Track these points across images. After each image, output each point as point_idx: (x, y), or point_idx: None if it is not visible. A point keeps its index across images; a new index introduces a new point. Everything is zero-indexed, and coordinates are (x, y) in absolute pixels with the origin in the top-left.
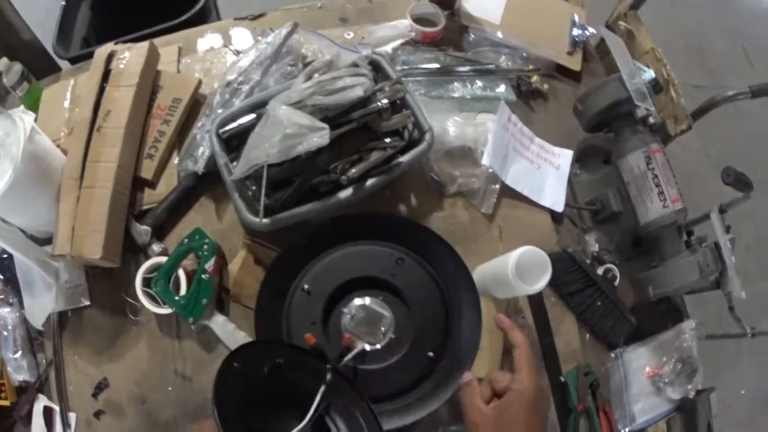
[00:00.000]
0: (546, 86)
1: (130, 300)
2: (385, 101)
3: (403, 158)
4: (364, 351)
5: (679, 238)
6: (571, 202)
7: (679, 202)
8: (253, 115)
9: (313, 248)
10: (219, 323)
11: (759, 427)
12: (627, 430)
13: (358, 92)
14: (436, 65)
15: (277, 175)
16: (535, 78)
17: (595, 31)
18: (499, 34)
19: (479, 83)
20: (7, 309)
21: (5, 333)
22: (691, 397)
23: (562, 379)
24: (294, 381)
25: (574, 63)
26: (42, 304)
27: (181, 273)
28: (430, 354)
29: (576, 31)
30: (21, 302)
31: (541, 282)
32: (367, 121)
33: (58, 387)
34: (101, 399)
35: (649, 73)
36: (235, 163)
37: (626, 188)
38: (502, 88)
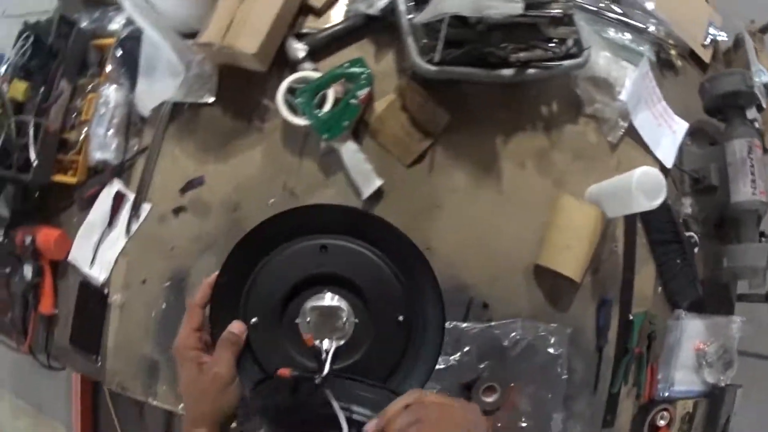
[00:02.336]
0: (679, 63)
1: (270, 102)
2: (558, 11)
3: (564, 63)
4: (337, 349)
5: (755, 228)
6: (678, 164)
7: (765, 195)
8: None
9: (238, 278)
10: (350, 150)
11: None
12: (666, 394)
13: None
14: (600, 5)
15: (453, 35)
16: (673, 52)
17: (726, 37)
18: (650, 4)
19: (628, 36)
20: (114, 86)
21: (103, 110)
22: (721, 385)
23: (631, 317)
24: (313, 402)
25: (705, 55)
26: (160, 90)
27: (330, 92)
28: (400, 318)
29: (712, 31)
30: (132, 86)
31: (658, 199)
32: (537, 22)
33: (144, 175)
34: (188, 196)
35: (767, 76)
36: (410, 15)
37: (727, 168)
38: (645, 48)
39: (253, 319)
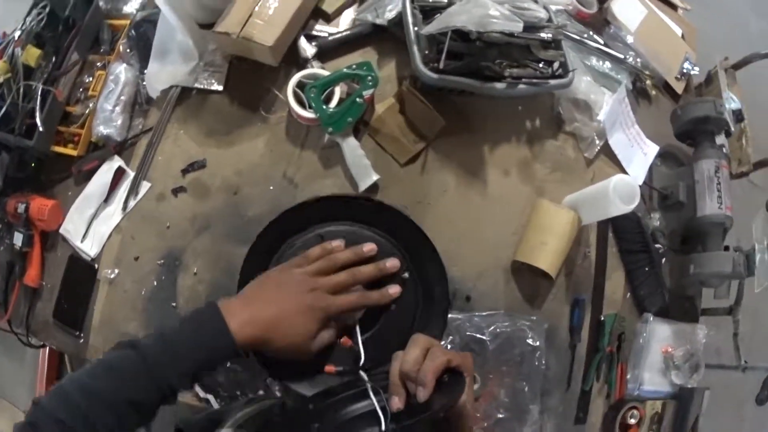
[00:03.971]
0: (653, 92)
1: (277, 94)
2: (549, 35)
3: (551, 82)
4: (360, 322)
5: (721, 240)
6: (648, 182)
7: (730, 210)
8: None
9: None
10: (351, 145)
11: None
12: (636, 393)
13: (540, 15)
14: (585, 35)
15: (453, 48)
16: (648, 82)
17: (698, 71)
18: (630, 38)
19: (608, 65)
20: (125, 65)
21: (112, 86)
22: (689, 386)
23: (602, 317)
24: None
25: (678, 87)
26: (170, 73)
27: (337, 89)
28: (405, 275)
29: (686, 65)
30: (142, 67)
31: (633, 203)
32: (530, 44)
33: (146, 153)
34: (189, 178)
35: (736, 104)
36: (416, 27)
37: (695, 185)
38: (623, 76)
39: None
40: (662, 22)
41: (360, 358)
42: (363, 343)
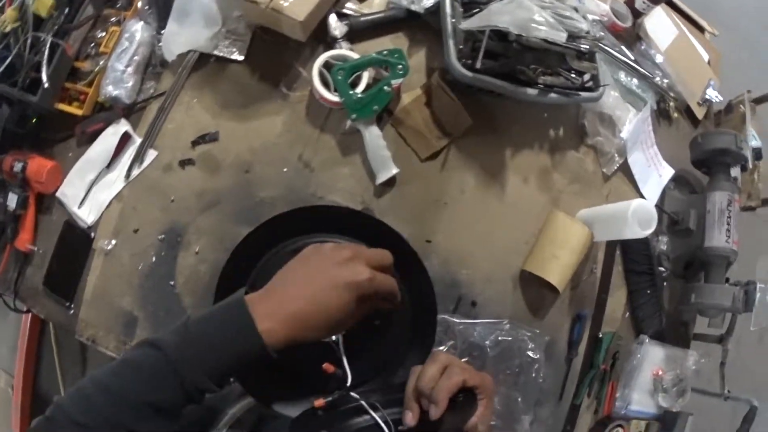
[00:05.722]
0: (675, 115)
1: (303, 71)
2: (586, 46)
3: (582, 94)
4: (345, 338)
5: (724, 272)
6: (660, 204)
7: (737, 245)
8: None
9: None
10: (373, 134)
11: None
12: (623, 411)
13: (581, 26)
14: (616, 48)
15: (491, 47)
16: (672, 104)
17: (720, 100)
18: (660, 58)
19: (635, 82)
20: (141, 23)
21: (126, 44)
22: (674, 410)
23: (601, 335)
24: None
25: (699, 113)
26: (190, 36)
27: (365, 74)
28: None
29: (710, 92)
30: (159, 27)
31: (650, 229)
32: (566, 53)
33: (156, 120)
34: (199, 150)
35: (757, 142)
36: (453, 20)
37: (705, 215)
38: (649, 95)
39: None
40: (691, 45)
41: (347, 379)
42: (348, 361)
